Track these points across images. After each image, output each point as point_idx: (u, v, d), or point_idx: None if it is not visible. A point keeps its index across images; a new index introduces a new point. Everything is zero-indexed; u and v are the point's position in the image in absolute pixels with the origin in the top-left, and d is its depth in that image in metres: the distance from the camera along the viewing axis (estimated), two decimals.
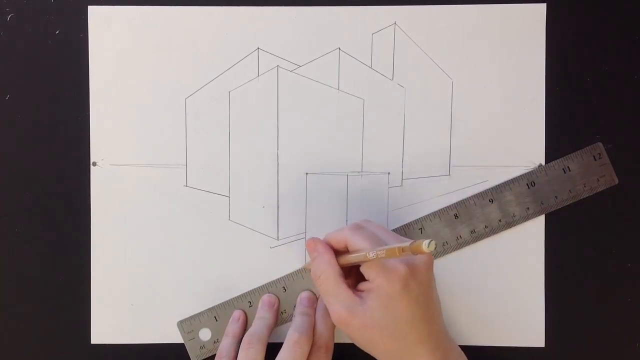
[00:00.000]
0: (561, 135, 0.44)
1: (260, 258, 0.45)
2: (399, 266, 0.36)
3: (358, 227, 0.39)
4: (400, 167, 0.45)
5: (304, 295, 0.43)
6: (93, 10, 0.44)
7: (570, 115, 0.44)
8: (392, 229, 0.44)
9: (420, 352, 0.37)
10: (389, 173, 0.45)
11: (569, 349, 0.44)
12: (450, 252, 0.44)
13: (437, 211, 0.44)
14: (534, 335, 0.44)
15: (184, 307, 0.45)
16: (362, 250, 0.37)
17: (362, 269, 0.38)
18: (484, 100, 0.44)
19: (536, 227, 0.44)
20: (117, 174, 0.45)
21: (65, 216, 0.45)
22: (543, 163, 0.44)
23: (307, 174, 0.45)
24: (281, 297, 0.44)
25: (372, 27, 0.44)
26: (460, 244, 0.44)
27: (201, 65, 0.44)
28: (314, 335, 0.41)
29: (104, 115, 0.45)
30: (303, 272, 0.44)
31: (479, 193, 0.44)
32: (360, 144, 0.45)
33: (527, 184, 0.44)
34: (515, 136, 0.44)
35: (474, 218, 0.44)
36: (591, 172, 0.44)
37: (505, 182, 0.44)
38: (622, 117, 0.44)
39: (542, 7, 0.44)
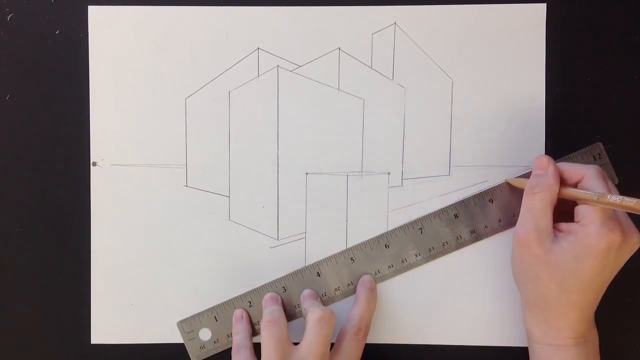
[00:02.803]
0: (561, 135, 0.44)
1: (260, 258, 0.45)
2: (617, 231, 0.36)
3: (603, 173, 0.38)
4: (400, 167, 0.45)
5: (306, 293, 0.43)
6: (93, 10, 0.44)
7: (570, 115, 0.44)
8: (392, 228, 0.44)
9: (571, 315, 0.37)
10: (389, 173, 0.45)
11: None
12: (450, 252, 0.44)
13: (437, 211, 0.44)
14: None
15: (184, 307, 0.45)
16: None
17: (580, 209, 0.37)
18: (484, 100, 0.44)
19: None
20: (117, 174, 0.45)
21: (65, 216, 0.45)
22: None
23: (307, 174, 0.45)
24: (281, 297, 0.44)
25: (372, 27, 0.44)
26: (460, 244, 0.44)
27: (201, 65, 0.44)
28: (355, 318, 0.41)
29: (104, 115, 0.45)
30: (303, 271, 0.44)
31: (479, 193, 0.44)
32: (360, 144, 0.45)
33: None
34: (515, 136, 0.44)
35: (474, 218, 0.44)
36: None
37: (505, 181, 0.44)
38: (622, 117, 0.44)
39: (542, 7, 0.44)
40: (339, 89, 0.45)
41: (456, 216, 0.44)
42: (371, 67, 0.44)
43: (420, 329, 0.44)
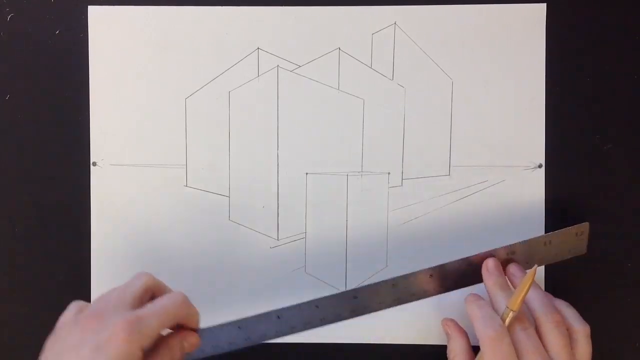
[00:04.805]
0: (561, 135, 0.44)
1: (260, 258, 0.45)
2: None
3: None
4: (400, 167, 0.45)
5: None
6: (93, 10, 0.44)
7: (570, 115, 0.44)
8: (392, 227, 0.44)
9: None
10: (389, 173, 0.45)
11: None
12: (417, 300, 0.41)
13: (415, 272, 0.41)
14: None
15: None
16: None
17: None
18: (484, 100, 0.44)
19: (536, 220, 0.44)
20: (117, 174, 0.45)
21: (65, 216, 0.45)
22: (543, 163, 0.44)
23: (307, 174, 0.45)
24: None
25: (372, 27, 0.44)
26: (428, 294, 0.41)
27: (201, 65, 0.44)
28: None
29: (104, 115, 0.45)
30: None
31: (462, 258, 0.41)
32: (360, 144, 0.45)
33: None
34: (515, 136, 0.44)
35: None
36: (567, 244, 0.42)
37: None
38: (622, 117, 0.44)
39: (542, 7, 0.44)
40: (339, 89, 0.45)
41: (431, 276, 0.41)
42: (371, 67, 0.44)
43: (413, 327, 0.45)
